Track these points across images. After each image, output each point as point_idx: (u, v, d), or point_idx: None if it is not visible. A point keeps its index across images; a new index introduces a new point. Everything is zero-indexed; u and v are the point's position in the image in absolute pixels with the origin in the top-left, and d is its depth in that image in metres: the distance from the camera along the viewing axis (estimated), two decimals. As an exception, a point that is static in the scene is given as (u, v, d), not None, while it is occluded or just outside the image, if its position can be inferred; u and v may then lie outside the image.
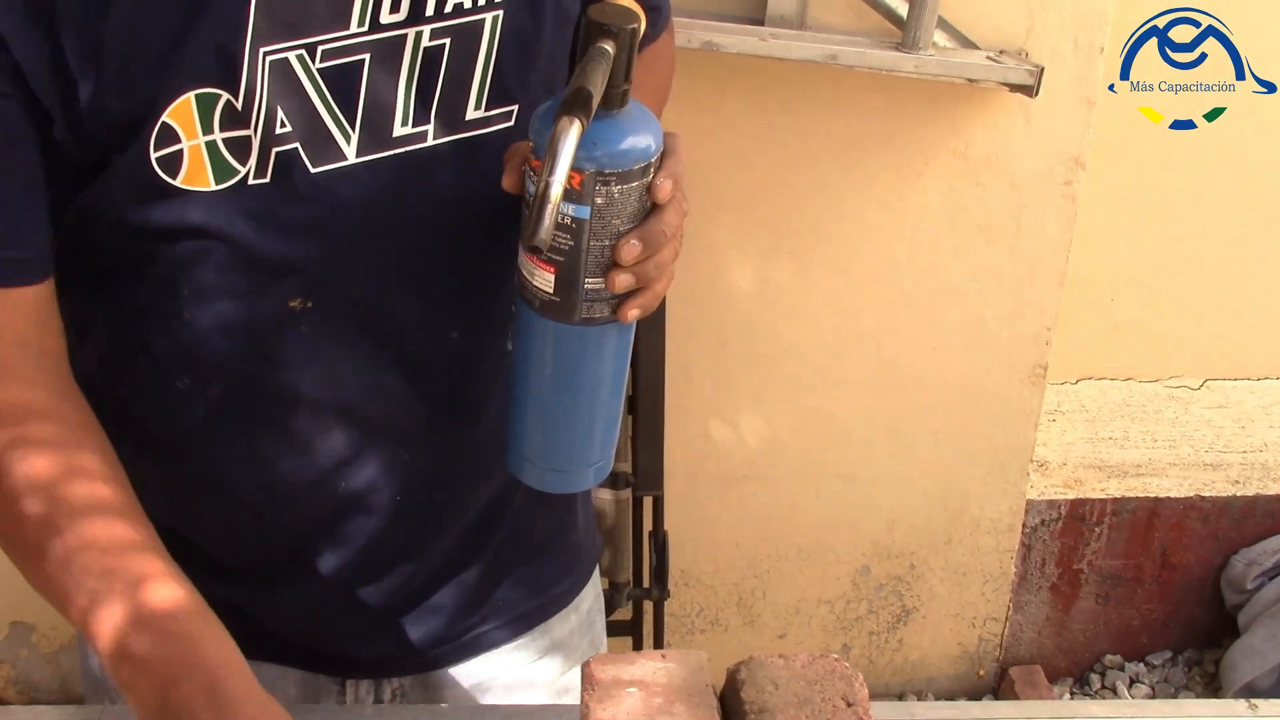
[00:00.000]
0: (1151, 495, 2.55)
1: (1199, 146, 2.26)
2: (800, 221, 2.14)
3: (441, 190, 0.96)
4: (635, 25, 0.82)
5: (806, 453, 2.34)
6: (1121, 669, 2.66)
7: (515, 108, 0.97)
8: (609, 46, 0.80)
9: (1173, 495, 2.55)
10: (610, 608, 2.18)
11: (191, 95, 0.85)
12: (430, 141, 0.94)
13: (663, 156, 0.87)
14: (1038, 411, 2.34)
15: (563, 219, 0.84)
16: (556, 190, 0.77)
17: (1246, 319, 2.44)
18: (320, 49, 0.87)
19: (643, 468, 2.18)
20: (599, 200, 0.84)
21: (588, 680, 0.73)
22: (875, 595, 2.50)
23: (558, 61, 1.01)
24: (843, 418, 2.31)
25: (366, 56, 0.89)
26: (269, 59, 0.86)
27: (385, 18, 0.89)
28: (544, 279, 0.88)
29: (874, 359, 2.27)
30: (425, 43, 0.91)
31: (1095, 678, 2.66)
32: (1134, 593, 2.64)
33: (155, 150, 0.86)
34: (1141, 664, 2.66)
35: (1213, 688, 2.59)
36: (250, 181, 0.89)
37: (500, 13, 0.92)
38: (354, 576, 1.12)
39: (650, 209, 0.87)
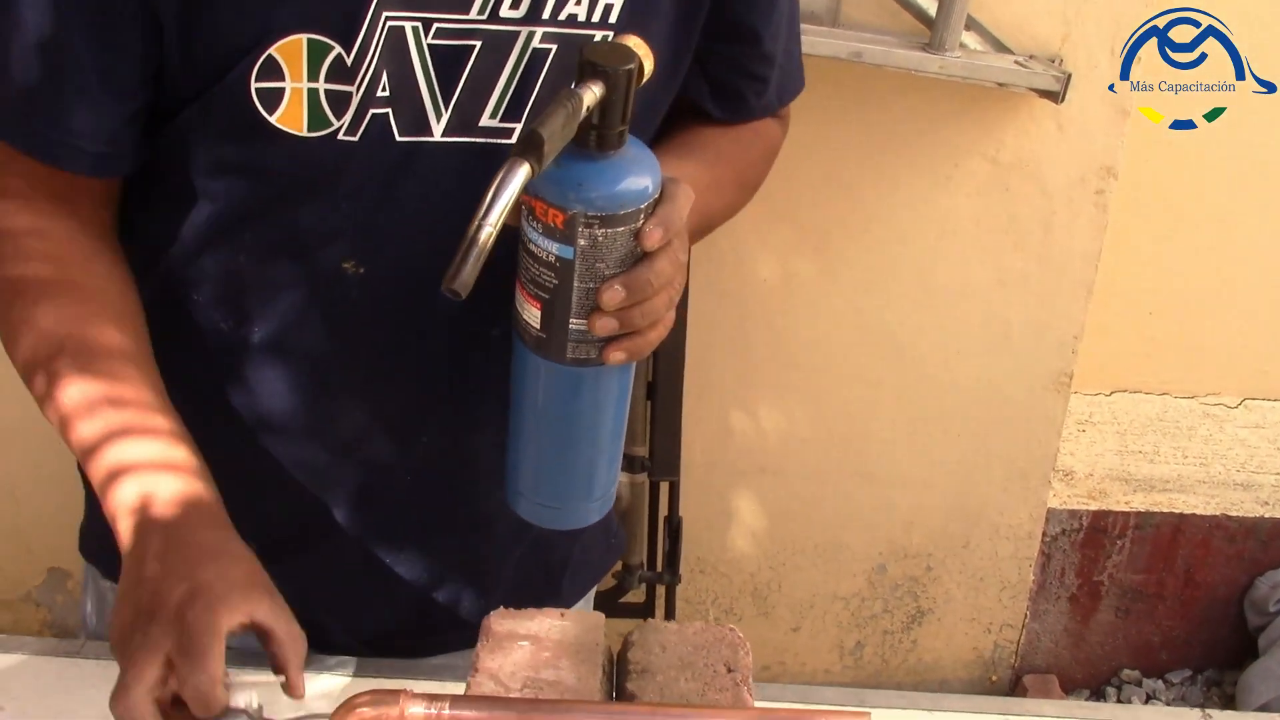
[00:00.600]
0: (1177, 511, 2.52)
1: (1229, 158, 2.24)
2: (826, 218, 2.16)
3: None
4: (631, 66, 0.80)
5: (826, 449, 2.35)
6: (1139, 684, 2.63)
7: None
8: (594, 89, 0.79)
9: (1199, 512, 2.52)
10: (622, 590, 2.21)
11: (305, 38, 0.88)
12: (514, 139, 0.94)
13: (659, 203, 0.85)
14: (1061, 420, 2.32)
15: (547, 256, 0.83)
16: (485, 233, 0.74)
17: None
18: (436, 25, 0.90)
19: (659, 453, 2.21)
20: (583, 242, 0.83)
21: (484, 632, 0.76)
22: (890, 595, 2.50)
23: (661, 95, 1.02)
24: (863, 416, 2.32)
25: (478, 44, 0.92)
26: (388, 24, 0.89)
27: (504, 11, 0.91)
28: (531, 314, 0.87)
29: (896, 359, 2.27)
30: (535, 44, 0.93)
31: (1111, 691, 2.64)
32: (1155, 608, 2.62)
33: (256, 81, 0.89)
34: (1160, 680, 2.64)
35: (1231, 709, 2.56)
36: (340, 137, 0.92)
37: (611, 34, 0.93)
38: (355, 554, 1.13)
39: (641, 255, 0.85)
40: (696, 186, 1.01)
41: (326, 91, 0.90)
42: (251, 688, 0.85)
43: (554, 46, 0.93)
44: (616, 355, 0.88)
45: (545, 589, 1.25)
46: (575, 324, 0.86)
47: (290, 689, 0.84)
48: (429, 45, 0.91)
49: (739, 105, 1.12)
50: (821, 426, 2.33)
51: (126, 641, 0.85)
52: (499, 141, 0.95)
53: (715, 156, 1.10)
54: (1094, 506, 2.52)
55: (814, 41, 1.88)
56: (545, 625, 0.77)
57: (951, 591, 2.50)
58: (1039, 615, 2.61)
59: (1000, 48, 1.97)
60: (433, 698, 0.68)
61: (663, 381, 2.17)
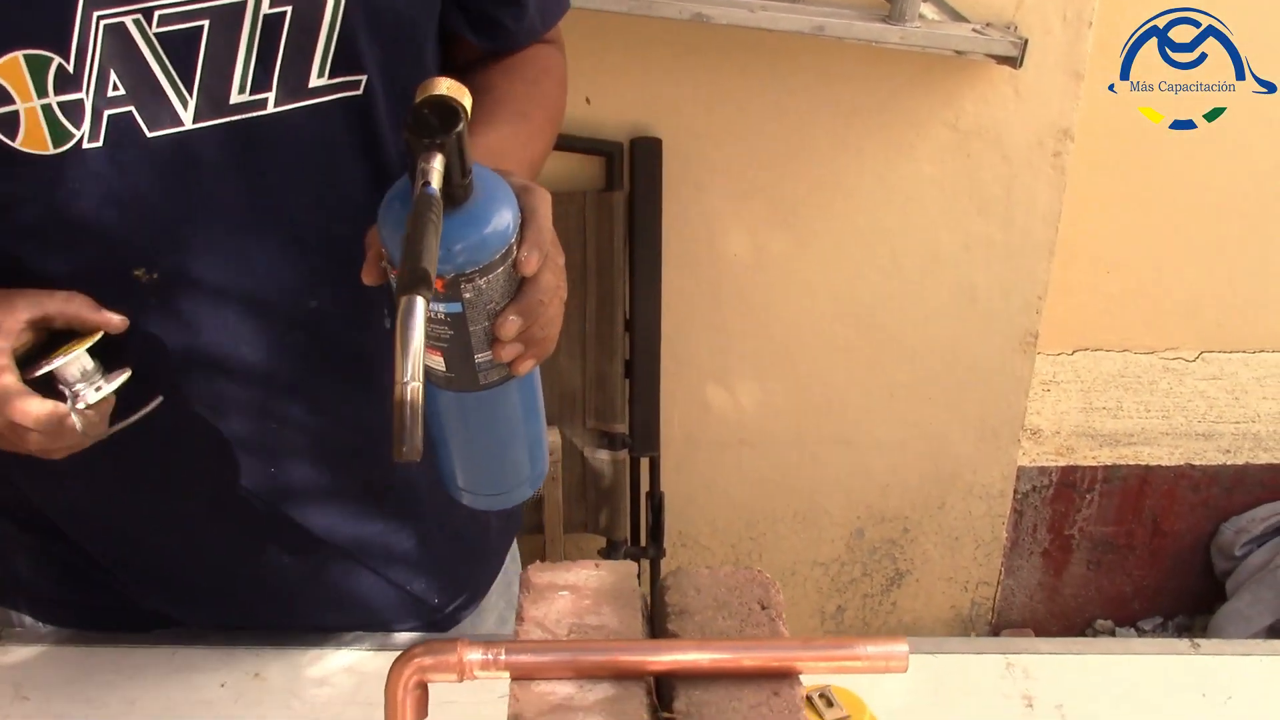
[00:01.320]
0: (1143, 463, 2.58)
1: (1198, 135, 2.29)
2: (794, 192, 2.19)
3: (284, 157, 0.95)
4: (461, 126, 0.78)
5: (802, 418, 2.39)
6: (1113, 634, 2.70)
7: (363, 77, 0.96)
8: (436, 166, 0.76)
9: (1164, 464, 2.58)
10: (608, 565, 2.24)
11: (20, 55, 0.84)
12: (270, 109, 0.93)
13: (523, 226, 0.85)
14: (1029, 379, 2.37)
15: (436, 315, 0.83)
16: (413, 390, 0.69)
17: (1243, 293, 2.47)
18: (158, 13, 0.88)
19: (639, 430, 2.24)
20: (468, 295, 0.82)
21: (524, 585, 0.78)
22: (869, 558, 2.55)
23: (416, 31, 1.00)
24: (837, 384, 2.36)
25: (205, 23, 0.89)
26: (103, 23, 0.86)
27: None
28: (435, 361, 0.88)
29: (868, 327, 2.31)
30: (265, 9, 0.90)
31: (1086, 642, 2.70)
32: (1125, 559, 2.68)
33: None
34: (1133, 629, 2.70)
35: (1202, 653, 2.62)
36: (85, 145, 0.89)
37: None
38: (245, 556, 1.14)
39: (521, 279, 0.85)
40: (515, 145, 1.03)
41: (60, 104, 0.87)
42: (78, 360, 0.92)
43: (288, 8, 0.91)
44: (526, 365, 0.89)
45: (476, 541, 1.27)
46: (480, 358, 0.87)
47: (105, 323, 0.92)
48: (156, 35, 0.88)
49: (500, 32, 1.09)
50: (797, 396, 2.37)
51: None
52: (253, 116, 0.93)
53: (517, 109, 1.08)
54: (1062, 462, 2.57)
55: (774, 17, 1.92)
56: (583, 575, 0.80)
57: (929, 552, 2.55)
58: (1013, 571, 2.66)
59: (957, 17, 2.01)
60: (488, 644, 0.70)
61: (640, 360, 2.21)
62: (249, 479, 1.07)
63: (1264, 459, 2.59)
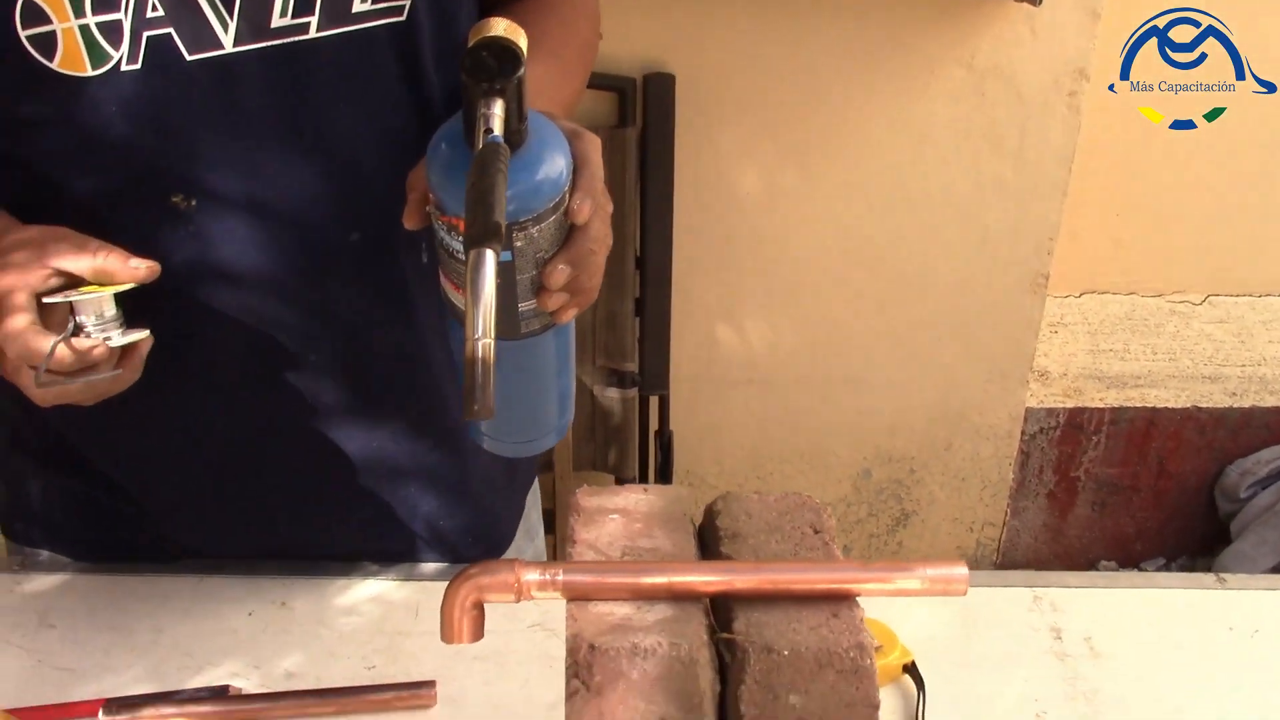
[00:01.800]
0: (1150, 405, 2.58)
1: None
2: (806, 130, 2.17)
3: (326, 84, 0.93)
4: (522, 68, 0.76)
5: (810, 358, 2.38)
6: (1116, 573, 2.71)
7: (406, 3, 0.93)
8: (497, 111, 0.75)
9: (1170, 406, 2.58)
10: (617, 504, 2.24)
11: None
12: (312, 34, 0.90)
13: (576, 172, 0.83)
14: (1038, 320, 2.37)
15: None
16: (485, 348, 0.67)
17: (1250, 237, 2.46)
18: None
19: (648, 369, 2.23)
20: (519, 244, 0.81)
21: (574, 509, 0.77)
22: (875, 498, 2.55)
23: None
24: (847, 324, 2.35)
25: None
26: None
27: None
28: None
29: (878, 266, 2.30)
30: None
31: (1089, 583, 2.71)
32: (1130, 500, 2.69)
33: (24, 29, 0.84)
34: (1136, 569, 2.71)
35: (1204, 594, 2.64)
36: (123, 68, 0.87)
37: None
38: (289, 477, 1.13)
39: (571, 227, 0.84)
40: (550, 85, 1.00)
41: (98, 24, 0.85)
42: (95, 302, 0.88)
43: None
44: (568, 315, 0.88)
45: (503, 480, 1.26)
46: (524, 306, 0.85)
47: (133, 278, 0.87)
48: None
49: None
50: (806, 336, 2.36)
51: None
52: (295, 40, 0.90)
53: (550, 49, 1.04)
54: (1070, 404, 2.57)
55: (794, -49, 1.89)
56: (632, 499, 0.79)
57: (934, 493, 2.55)
58: (1019, 512, 2.67)
59: (976, -48, 1.98)
60: (545, 565, 0.69)
61: (650, 298, 2.19)
62: (286, 406, 1.06)
63: (1270, 402, 2.59)
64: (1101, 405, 2.58)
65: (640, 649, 0.65)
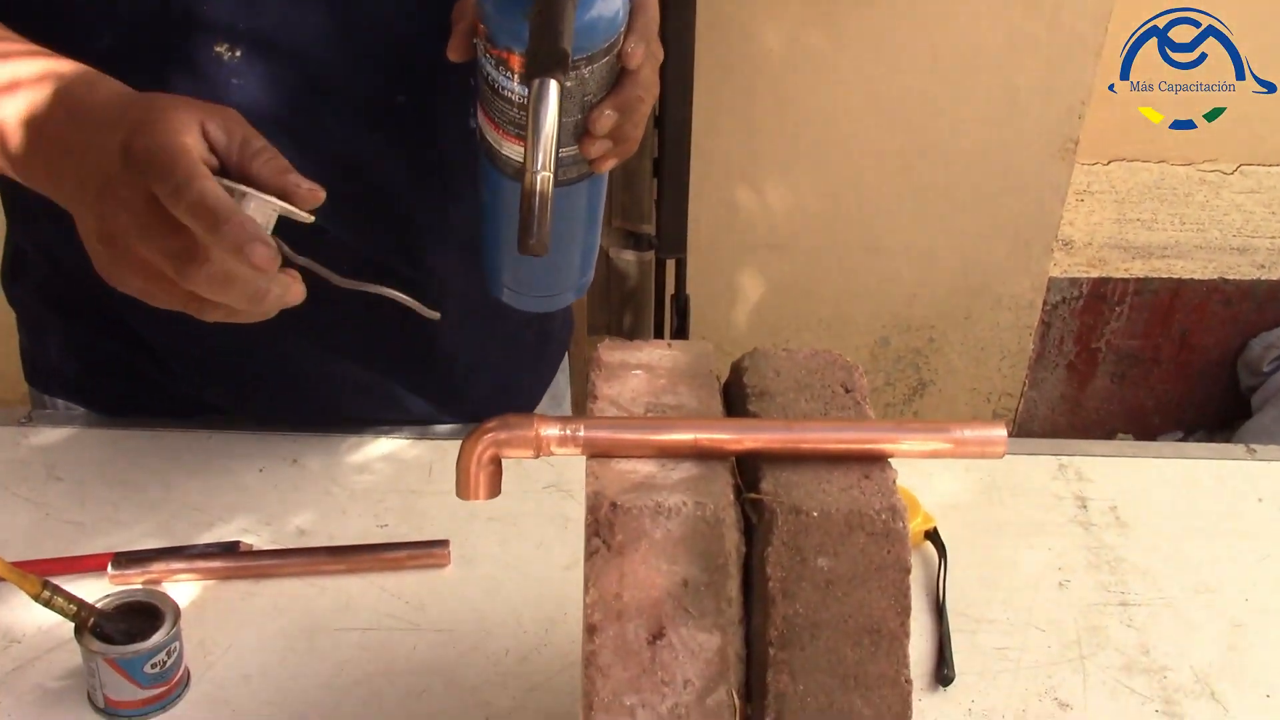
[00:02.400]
0: (1175, 276, 2.54)
1: None
2: (834, -17, 2.09)
3: None
4: None
5: (831, 222, 2.33)
6: (1132, 447, 2.70)
7: None
8: None
9: (1196, 277, 2.54)
10: (631, 367, 2.22)
11: None
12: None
13: (632, 14, 0.80)
14: (1066, 188, 2.31)
15: (525, 100, 0.75)
16: (543, 180, 0.66)
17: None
18: None
19: (666, 231, 2.19)
20: (568, 84, 0.77)
21: (596, 363, 0.74)
22: (893, 367, 2.53)
23: None
24: (869, 188, 2.30)
25: None
26: None
27: None
28: (513, 150, 0.83)
29: (903, 129, 2.24)
30: None
31: (1105, 455, 2.70)
32: (1150, 373, 2.66)
33: None
34: (1174, 442, 2.70)
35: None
36: None
37: None
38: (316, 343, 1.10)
39: (621, 71, 0.81)
40: None
41: None
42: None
43: None
44: (607, 164, 0.85)
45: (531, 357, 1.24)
46: (565, 152, 0.82)
47: (293, 194, 0.73)
48: None
49: None
50: (827, 200, 2.31)
51: (110, 235, 0.72)
52: None
53: None
54: (1094, 274, 2.53)
55: None
56: (656, 354, 0.75)
57: (953, 362, 2.52)
58: (1037, 383, 2.65)
59: None
60: (565, 420, 0.66)
61: (669, 159, 2.13)
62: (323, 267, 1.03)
63: (1299, 275, 2.55)
64: (1126, 275, 2.53)
65: (664, 508, 0.63)
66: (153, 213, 0.70)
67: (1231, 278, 2.54)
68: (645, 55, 0.81)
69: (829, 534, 0.63)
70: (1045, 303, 2.49)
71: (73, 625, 0.88)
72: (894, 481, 0.66)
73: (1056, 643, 0.99)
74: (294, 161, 0.93)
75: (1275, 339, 2.54)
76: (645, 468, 0.66)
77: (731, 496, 0.65)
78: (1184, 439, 2.70)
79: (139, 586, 0.97)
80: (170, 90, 0.82)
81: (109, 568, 1.00)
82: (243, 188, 0.73)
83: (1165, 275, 2.54)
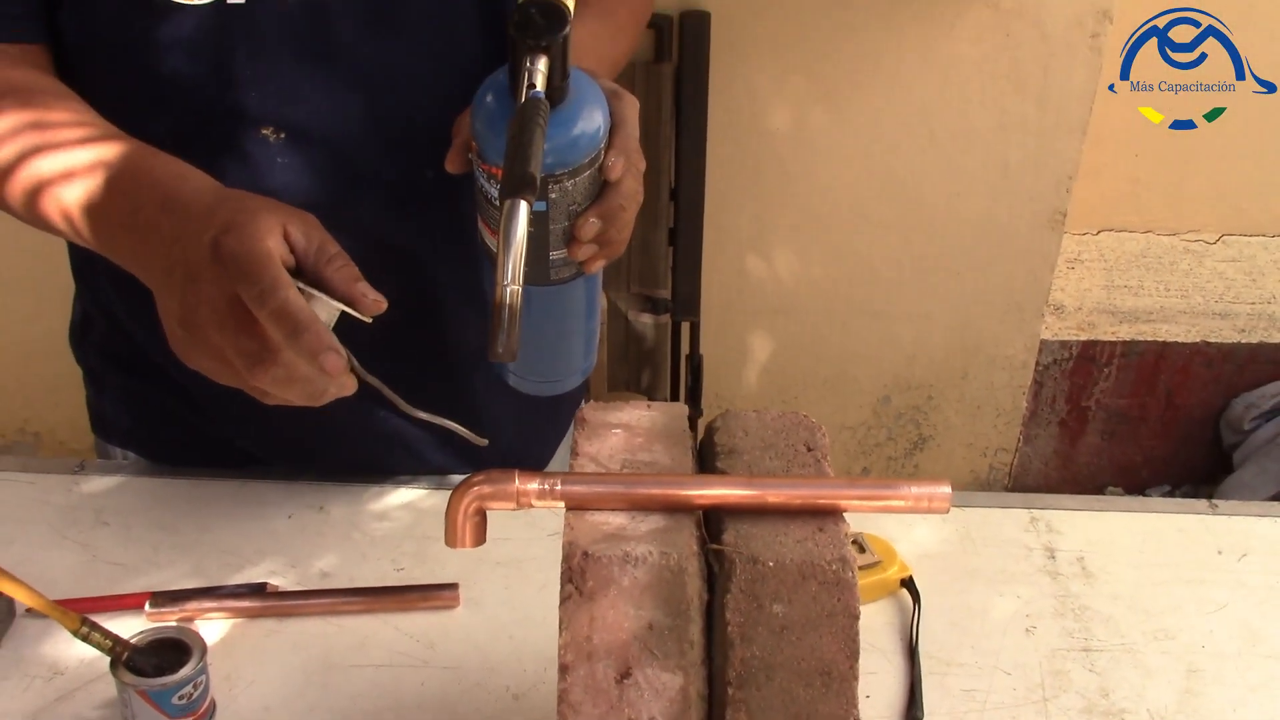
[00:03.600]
0: (1160, 340, 2.53)
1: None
2: (836, 68, 2.12)
3: (411, 26, 0.93)
4: (567, 27, 0.74)
5: (835, 288, 2.35)
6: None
7: None
8: (540, 68, 0.73)
9: (1180, 340, 2.53)
10: (648, 423, 2.23)
11: None
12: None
13: (612, 131, 0.82)
14: (1055, 256, 2.32)
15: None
16: (512, 294, 0.66)
17: (1265, 178, 2.39)
18: None
19: (681, 295, 2.21)
20: (553, 195, 0.80)
21: (578, 422, 0.76)
22: (894, 423, 2.53)
23: None
24: (870, 256, 2.32)
25: None
26: None
27: None
28: None
29: (902, 201, 2.25)
30: None
31: (1097, 507, 2.68)
32: (1138, 430, 2.65)
33: None
34: (1141, 496, 2.68)
35: (1206, 520, 2.60)
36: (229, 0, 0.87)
37: None
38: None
39: (604, 182, 0.83)
40: (599, 43, 0.99)
41: None
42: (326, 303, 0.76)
43: None
44: (597, 265, 0.87)
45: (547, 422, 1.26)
46: (555, 255, 0.84)
47: (359, 301, 0.75)
48: None
49: None
50: (832, 267, 2.33)
51: (191, 323, 0.74)
52: None
53: (603, 7, 1.04)
54: (1083, 337, 2.52)
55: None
56: (634, 415, 0.77)
57: (950, 419, 2.52)
58: (1031, 439, 2.64)
59: (1004, -105, 1.92)
60: (545, 475, 0.68)
61: (684, 227, 2.17)
62: (346, 334, 1.05)
63: (1277, 338, 2.53)
64: (1113, 339, 2.53)
65: (632, 557, 0.64)
66: (234, 311, 0.72)
67: (1214, 341, 2.54)
68: (625, 167, 0.82)
69: (784, 582, 0.65)
70: (1037, 364, 2.49)
71: (109, 659, 0.90)
72: (846, 534, 0.68)
73: (1022, 685, 1.00)
74: (329, 230, 0.97)
75: (1255, 399, 2.53)
76: (617, 519, 0.68)
77: (695, 547, 0.67)
78: (1171, 492, 2.69)
79: (172, 624, 0.99)
80: (218, 171, 0.85)
81: (147, 606, 1.02)
82: (313, 291, 0.75)
83: (1151, 339, 2.53)
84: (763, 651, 0.65)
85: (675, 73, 2.06)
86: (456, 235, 1.04)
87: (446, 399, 1.14)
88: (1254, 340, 2.53)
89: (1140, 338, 2.53)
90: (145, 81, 0.91)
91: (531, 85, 0.73)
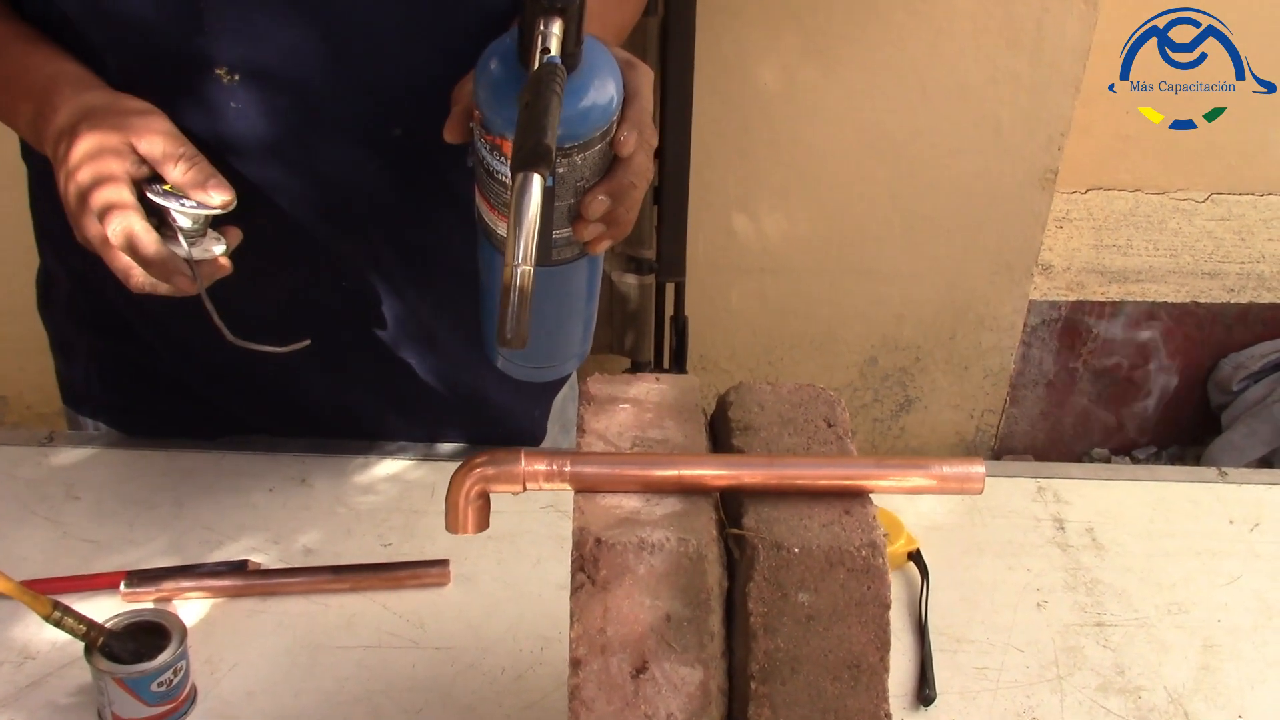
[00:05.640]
0: (1149, 300, 2.50)
1: None
2: (826, 21, 2.06)
3: None
4: None
5: (823, 248, 2.31)
6: (1109, 461, 2.66)
7: None
8: (555, 31, 0.68)
9: (1170, 300, 2.51)
10: (632, 386, 2.19)
11: None
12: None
13: (625, 103, 0.77)
14: (1046, 215, 2.28)
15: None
16: (523, 275, 0.61)
17: (1255, 136, 2.35)
18: None
19: (666, 255, 2.16)
20: (561, 170, 0.75)
21: (585, 397, 0.72)
22: (881, 385, 2.49)
23: None
24: (859, 215, 2.27)
25: None
26: None
27: None
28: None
29: (892, 159, 2.21)
30: None
31: (1083, 469, 2.67)
32: (1125, 391, 2.62)
33: None
34: (1127, 457, 2.66)
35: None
36: None
37: None
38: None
39: (614, 158, 0.78)
40: (607, 7, 0.93)
41: None
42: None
43: None
44: (602, 245, 0.82)
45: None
46: (558, 234, 0.79)
47: (207, 204, 0.84)
48: None
49: None
50: (820, 226, 2.28)
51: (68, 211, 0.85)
52: None
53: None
54: (1072, 298, 2.49)
55: None
56: (644, 389, 0.73)
57: (938, 381, 2.49)
58: (1018, 401, 2.61)
59: None
60: (552, 456, 0.64)
61: (669, 187, 2.11)
62: (319, 285, 1.01)
63: (1266, 298, 2.51)
64: (1102, 299, 2.50)
65: (648, 544, 0.60)
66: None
67: (1203, 301, 2.51)
68: (638, 142, 0.77)
69: (810, 570, 0.61)
70: (1026, 324, 2.46)
71: (83, 645, 0.85)
72: (874, 517, 0.63)
73: (1035, 663, 0.96)
74: (291, 181, 0.93)
75: (1244, 359, 2.51)
76: (630, 503, 0.63)
77: (714, 532, 0.62)
78: (1157, 454, 2.67)
79: (149, 606, 0.94)
80: (172, 109, 0.86)
81: (122, 586, 0.97)
82: (169, 200, 0.84)
83: (1140, 299, 2.50)
84: (787, 643, 0.61)
85: (661, 27, 1.99)
86: (435, 194, 0.99)
87: (416, 355, 1.10)
88: (1243, 300, 2.51)
89: (1129, 298, 2.50)
90: (100, 17, 0.87)
91: (545, 50, 0.68)
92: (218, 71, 0.88)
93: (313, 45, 0.89)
